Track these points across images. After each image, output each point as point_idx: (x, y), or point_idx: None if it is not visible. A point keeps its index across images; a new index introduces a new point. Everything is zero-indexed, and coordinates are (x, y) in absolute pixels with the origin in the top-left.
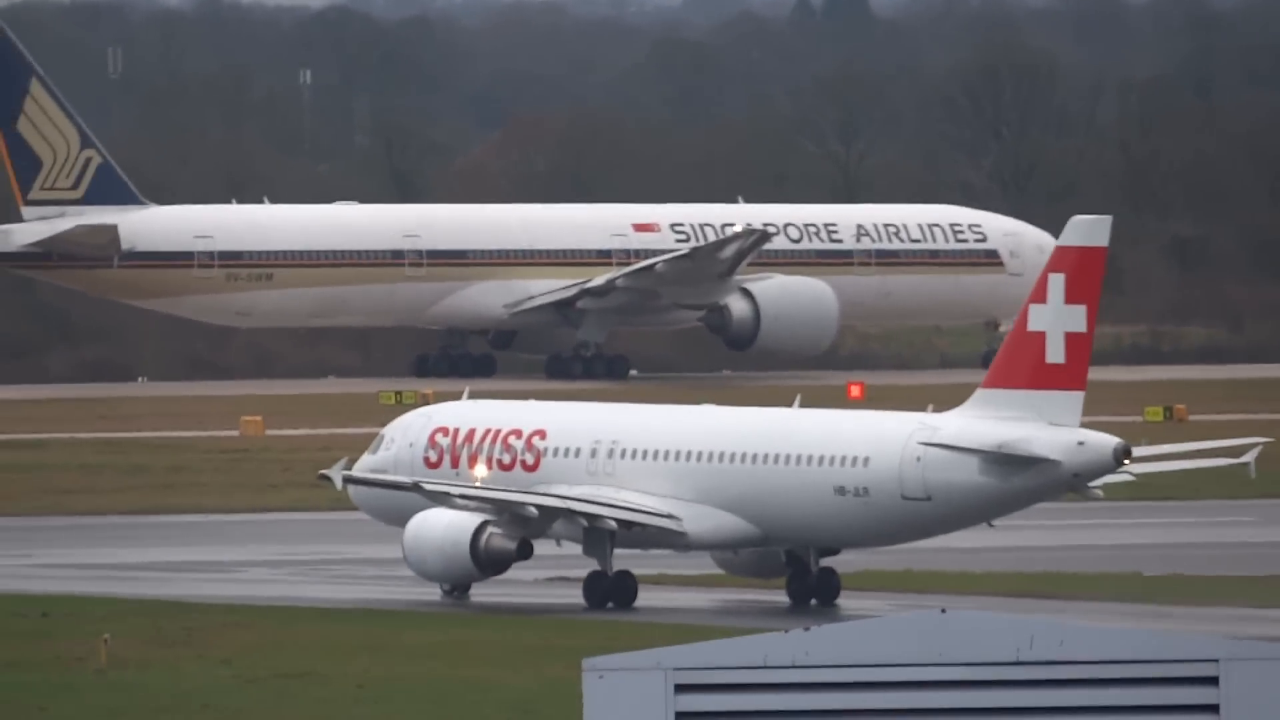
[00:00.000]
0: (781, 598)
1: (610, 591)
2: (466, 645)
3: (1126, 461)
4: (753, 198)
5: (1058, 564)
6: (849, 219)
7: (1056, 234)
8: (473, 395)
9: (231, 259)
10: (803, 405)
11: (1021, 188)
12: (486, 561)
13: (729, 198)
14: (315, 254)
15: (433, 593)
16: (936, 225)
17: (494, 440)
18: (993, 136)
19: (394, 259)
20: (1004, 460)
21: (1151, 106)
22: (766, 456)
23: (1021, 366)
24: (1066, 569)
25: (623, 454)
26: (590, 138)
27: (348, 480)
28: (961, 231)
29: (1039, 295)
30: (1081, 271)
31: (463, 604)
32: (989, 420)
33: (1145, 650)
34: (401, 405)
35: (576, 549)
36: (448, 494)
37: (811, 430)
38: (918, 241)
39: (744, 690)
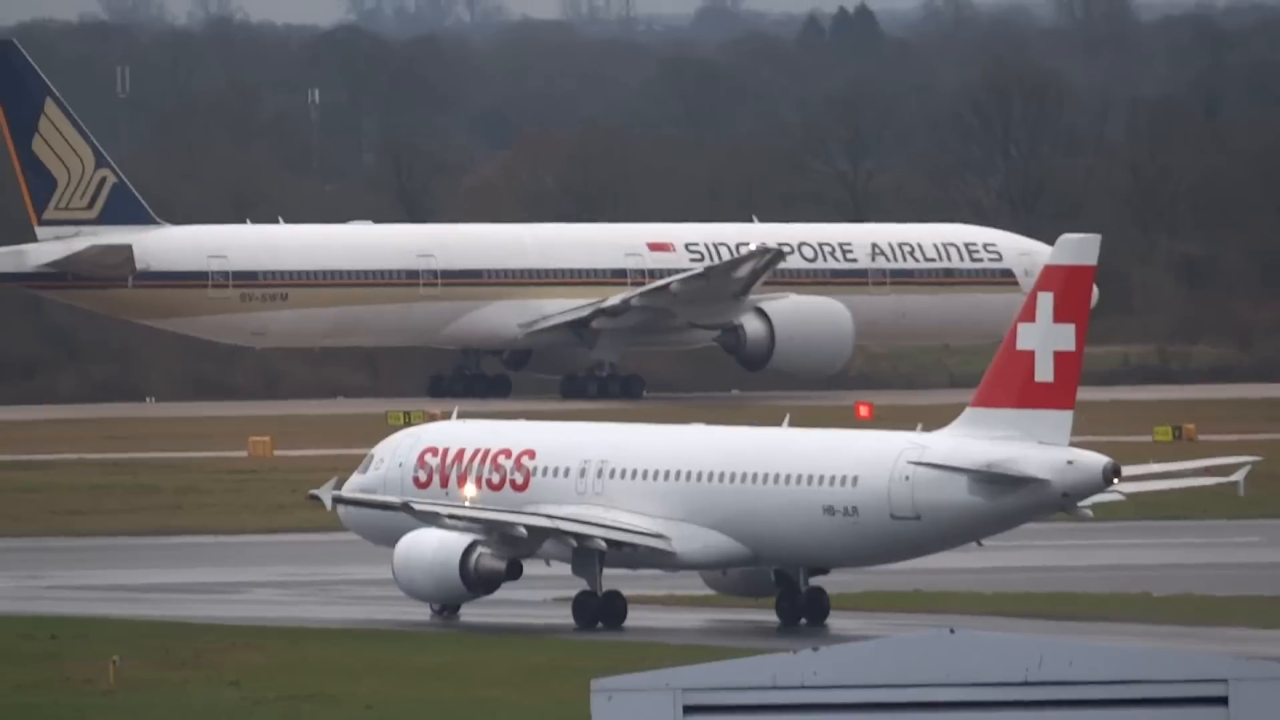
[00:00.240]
0: (771, 617)
1: (599, 611)
2: (475, 666)
3: (1116, 481)
4: (761, 216)
5: (1067, 584)
6: (864, 238)
7: None
8: (462, 415)
9: (246, 279)
10: (810, 425)
11: (1030, 207)
12: (476, 581)
13: (737, 216)
14: (330, 274)
15: (423, 612)
16: (952, 244)
17: (483, 460)
18: (1001, 155)
19: (409, 279)
20: (993, 479)
21: (1160, 126)
22: (756, 476)
23: (1010, 385)
24: (1076, 589)
25: (612, 474)
26: (599, 156)
27: (337, 500)
28: (977, 251)
29: (1028, 314)
30: (1070, 290)
31: (470, 625)
32: (978, 439)
33: (1155, 670)
34: (411, 426)
35: (568, 569)
36: (437, 514)
37: (800, 450)
38: (933, 261)
39: (752, 711)
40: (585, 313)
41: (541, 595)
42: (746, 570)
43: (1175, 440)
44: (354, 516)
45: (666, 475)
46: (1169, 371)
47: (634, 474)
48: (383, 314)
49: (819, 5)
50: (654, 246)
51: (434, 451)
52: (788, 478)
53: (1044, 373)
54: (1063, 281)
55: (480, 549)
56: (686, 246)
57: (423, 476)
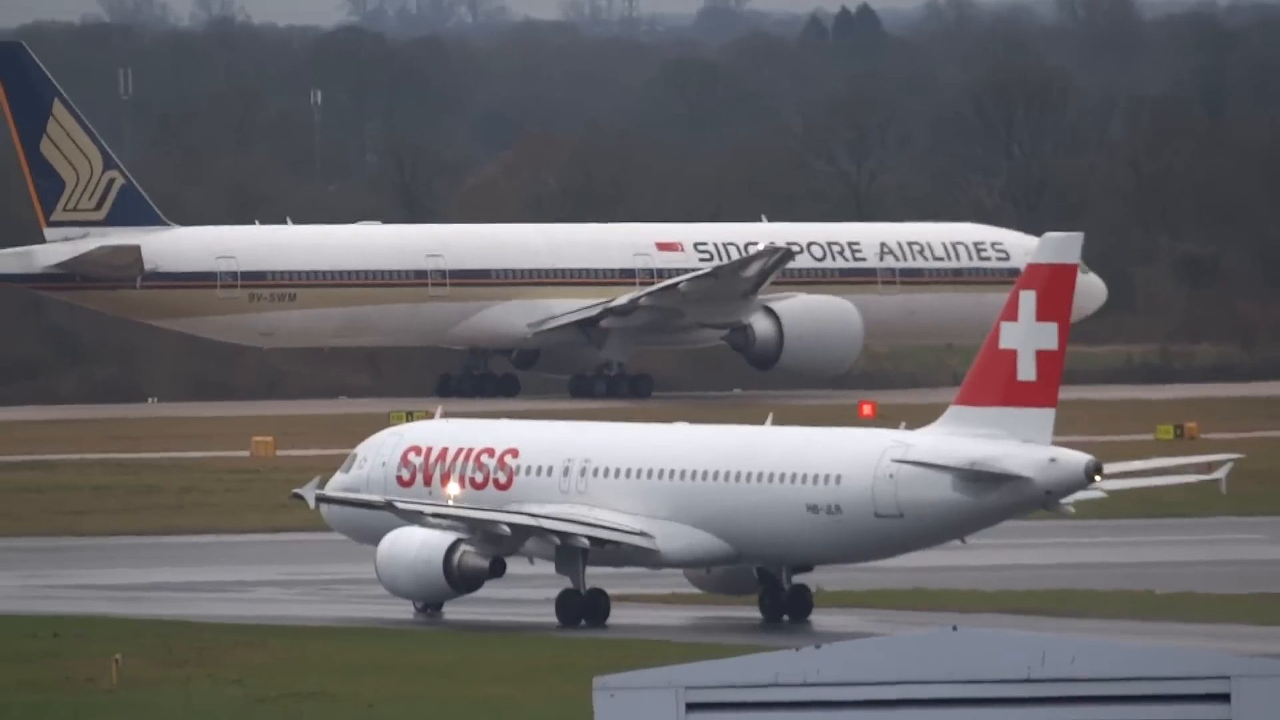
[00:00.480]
0: (754, 613)
1: (583, 609)
2: (477, 664)
3: (1097, 478)
4: (765, 216)
5: (1069, 582)
6: (873, 238)
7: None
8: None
9: (254, 279)
10: (814, 425)
11: (1033, 206)
12: (459, 579)
13: (739, 216)
14: (338, 274)
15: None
16: (960, 243)
17: (466, 459)
18: (1004, 154)
19: (417, 279)
20: (976, 477)
21: (1163, 124)
22: (739, 474)
23: (993, 384)
24: (1078, 586)
25: (595, 472)
26: (601, 156)
27: (320, 499)
28: (985, 250)
29: (1010, 313)
30: (1053, 289)
31: (472, 623)
32: (961, 437)
33: (1157, 667)
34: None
35: (551, 567)
36: (420, 512)
37: (784, 448)
38: (941, 260)
39: (755, 709)
40: (594, 312)
41: (543, 595)
42: (729, 568)
43: (1177, 439)
44: (337, 515)
45: (650, 474)
46: (1171, 370)
47: (617, 473)
48: (391, 314)
49: (821, 5)
50: (663, 246)
51: (417, 450)
52: (771, 476)
53: (1026, 371)
54: (1045, 280)
55: (463, 547)
56: (695, 246)
57: (406, 475)
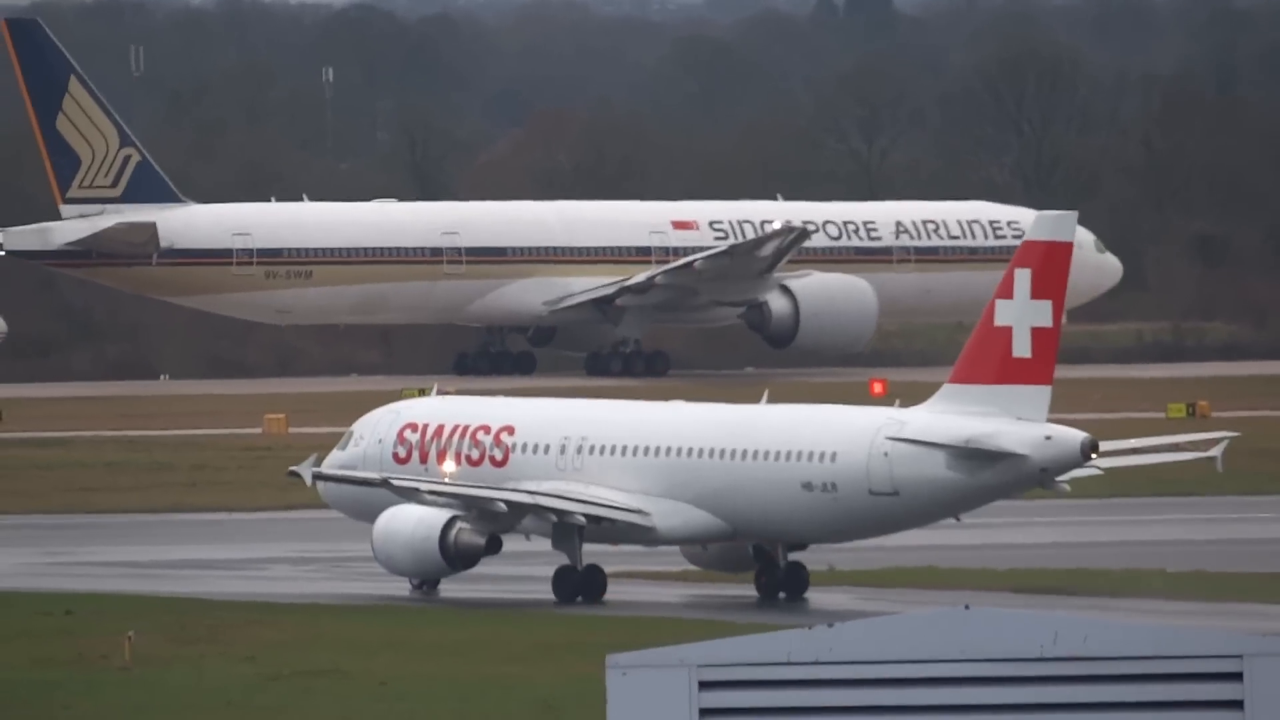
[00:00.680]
0: (750, 591)
1: (579, 586)
2: (489, 642)
3: (1093, 456)
4: (776, 195)
5: (1081, 560)
6: (888, 216)
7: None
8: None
9: (270, 256)
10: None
11: (1044, 184)
12: (456, 556)
13: (750, 194)
14: (355, 251)
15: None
16: (975, 222)
17: (462, 436)
18: (1015, 133)
19: (433, 256)
20: (972, 455)
21: (1174, 103)
22: (735, 452)
23: (988, 361)
24: (1090, 565)
25: (591, 449)
26: (612, 134)
27: (317, 477)
28: (1000, 228)
29: (1005, 290)
30: (1048, 267)
31: (483, 600)
32: (956, 415)
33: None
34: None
35: (548, 544)
36: (416, 490)
37: (779, 426)
38: (957, 238)
39: (768, 686)
40: (610, 290)
41: (537, 571)
42: (725, 545)
43: (1189, 417)
44: (334, 493)
45: (646, 451)
46: (1183, 348)
47: (613, 450)
48: (407, 291)
49: None
50: (678, 225)
51: (413, 428)
52: (767, 454)
53: (1021, 348)
54: (1041, 257)
55: (460, 524)
56: (711, 225)
57: (402, 452)
